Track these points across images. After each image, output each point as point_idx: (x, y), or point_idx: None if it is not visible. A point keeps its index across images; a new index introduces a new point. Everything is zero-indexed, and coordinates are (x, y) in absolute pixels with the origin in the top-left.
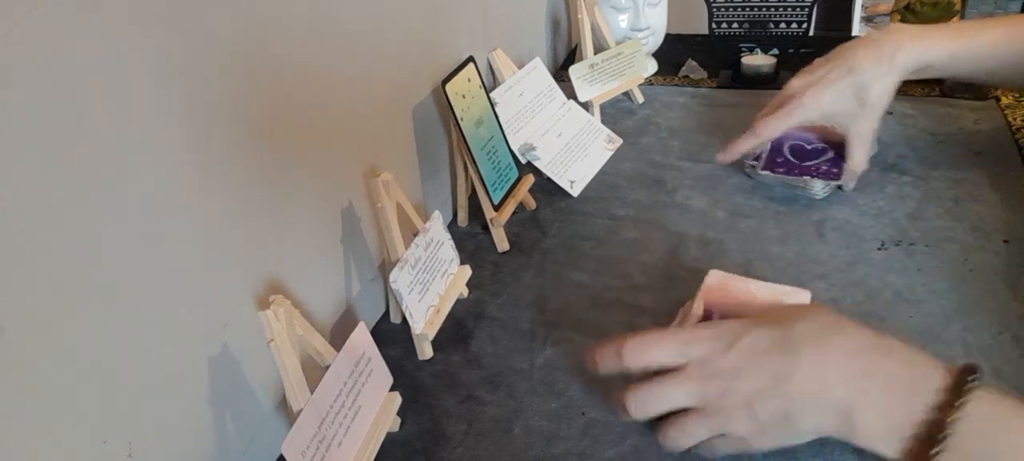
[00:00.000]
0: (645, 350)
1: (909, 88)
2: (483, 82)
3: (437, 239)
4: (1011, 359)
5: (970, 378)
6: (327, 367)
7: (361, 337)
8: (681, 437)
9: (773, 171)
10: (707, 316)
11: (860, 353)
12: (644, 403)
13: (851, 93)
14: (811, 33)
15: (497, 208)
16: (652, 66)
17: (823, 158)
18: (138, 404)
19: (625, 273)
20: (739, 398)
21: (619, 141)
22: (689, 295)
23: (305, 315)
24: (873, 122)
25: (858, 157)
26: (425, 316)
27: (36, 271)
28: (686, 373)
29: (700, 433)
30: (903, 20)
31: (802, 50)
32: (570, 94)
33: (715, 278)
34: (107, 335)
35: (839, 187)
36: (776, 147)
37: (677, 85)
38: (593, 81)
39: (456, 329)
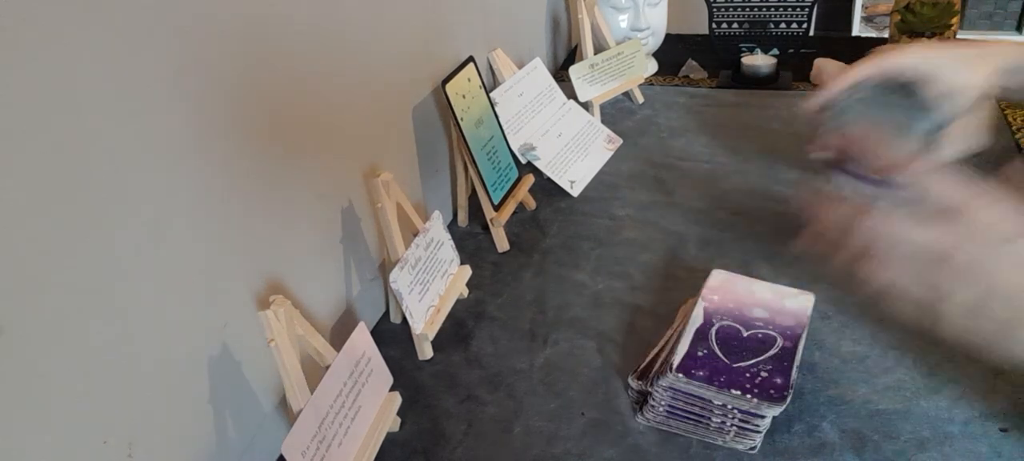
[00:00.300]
0: None
1: None
2: (483, 82)
3: (437, 239)
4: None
5: None
6: (327, 367)
7: (361, 337)
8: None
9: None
10: (707, 320)
11: None
12: (901, 233)
13: (960, 57)
14: (811, 33)
15: (497, 208)
16: (652, 66)
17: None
18: (138, 404)
19: (625, 273)
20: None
21: (619, 141)
22: (689, 295)
23: (305, 315)
24: (976, 88)
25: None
26: (425, 316)
27: (36, 271)
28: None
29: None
30: (903, 20)
31: (802, 50)
32: (570, 94)
33: (717, 278)
34: (107, 335)
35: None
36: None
37: (677, 85)
38: (593, 81)
39: (456, 329)
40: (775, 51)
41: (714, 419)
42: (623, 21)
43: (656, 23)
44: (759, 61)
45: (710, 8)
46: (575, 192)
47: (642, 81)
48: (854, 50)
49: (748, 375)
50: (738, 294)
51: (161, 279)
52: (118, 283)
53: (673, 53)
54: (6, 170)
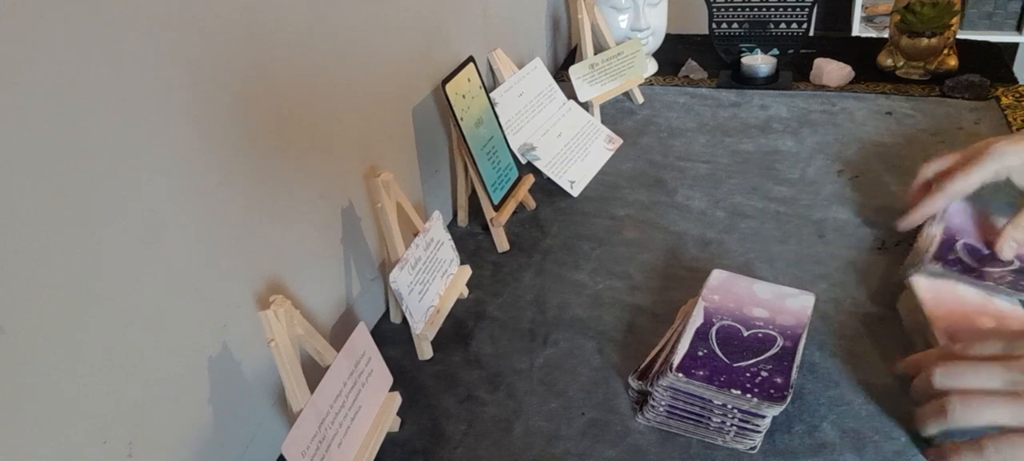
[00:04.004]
0: (963, 374)
1: (909, 88)
2: (483, 82)
3: (437, 239)
4: None
5: None
6: (327, 367)
7: (361, 337)
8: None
9: (947, 266)
10: (707, 320)
11: None
12: (970, 414)
13: None
14: (811, 33)
15: (497, 208)
16: (652, 66)
17: (1009, 268)
18: (138, 404)
19: (625, 273)
20: None
21: (619, 141)
22: (689, 295)
23: (305, 315)
24: None
25: None
26: (425, 316)
27: (36, 271)
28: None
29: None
30: (903, 20)
31: (802, 50)
32: (570, 94)
33: (718, 278)
34: (107, 335)
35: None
36: (947, 241)
37: (677, 85)
38: (593, 81)
39: (456, 329)
40: (775, 51)
41: (714, 419)
42: (623, 21)
43: (656, 23)
44: (759, 61)
45: (710, 8)
46: (575, 192)
47: (642, 81)
48: (854, 50)
49: (748, 375)
50: (738, 294)
51: (161, 279)
52: (118, 283)
53: (673, 53)
54: (6, 170)
